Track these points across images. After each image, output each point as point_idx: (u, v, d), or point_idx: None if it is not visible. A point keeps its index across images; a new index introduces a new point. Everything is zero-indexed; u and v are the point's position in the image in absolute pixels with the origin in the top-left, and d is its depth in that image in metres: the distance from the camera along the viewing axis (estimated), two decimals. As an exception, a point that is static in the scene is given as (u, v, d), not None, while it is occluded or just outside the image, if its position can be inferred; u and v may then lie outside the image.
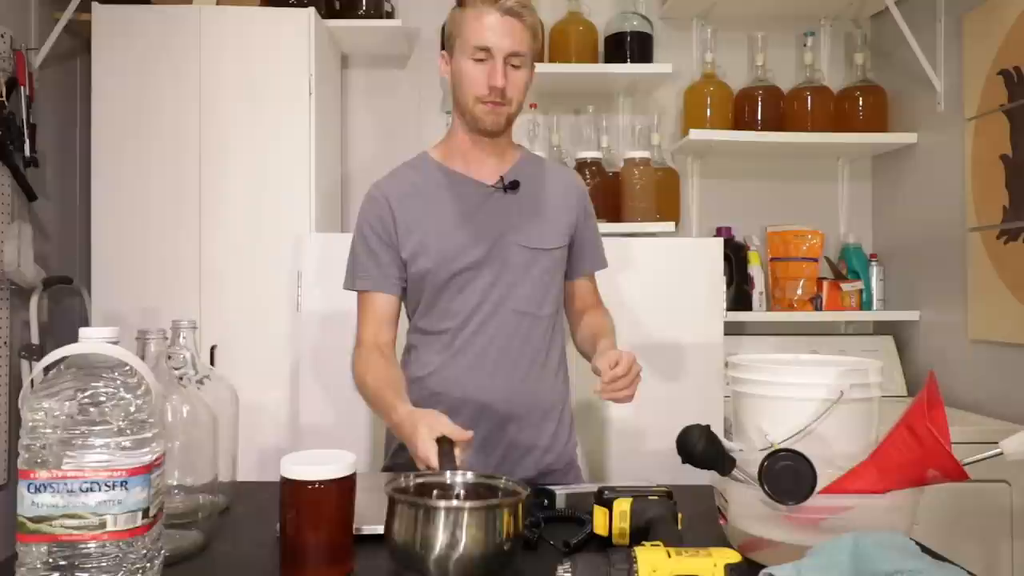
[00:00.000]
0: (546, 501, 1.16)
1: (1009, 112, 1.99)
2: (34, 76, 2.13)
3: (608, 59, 2.47)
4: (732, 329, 2.31)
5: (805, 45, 2.51)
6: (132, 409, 0.79)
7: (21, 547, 0.76)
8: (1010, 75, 1.98)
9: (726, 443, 0.97)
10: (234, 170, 2.13)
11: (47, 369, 0.82)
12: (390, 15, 2.41)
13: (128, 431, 0.78)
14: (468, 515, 0.83)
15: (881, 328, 2.55)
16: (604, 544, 0.98)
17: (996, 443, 0.92)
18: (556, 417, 1.43)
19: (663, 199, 2.47)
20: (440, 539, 0.82)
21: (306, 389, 1.92)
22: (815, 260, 2.49)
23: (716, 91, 2.48)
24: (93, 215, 2.11)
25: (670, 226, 2.43)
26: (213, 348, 2.08)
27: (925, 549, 0.87)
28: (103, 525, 0.76)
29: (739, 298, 2.45)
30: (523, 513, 0.89)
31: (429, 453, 1.04)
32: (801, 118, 2.45)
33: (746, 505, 0.93)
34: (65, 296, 2.33)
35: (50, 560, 0.76)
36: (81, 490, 0.76)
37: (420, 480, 0.97)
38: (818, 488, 0.88)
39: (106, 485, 0.76)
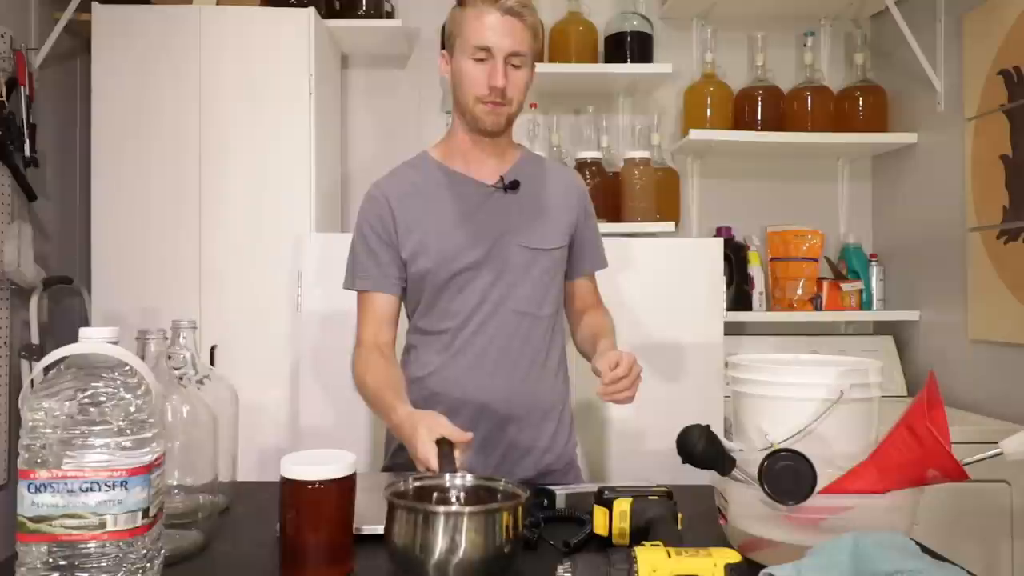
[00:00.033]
0: (546, 501, 1.16)
1: (1009, 112, 1.99)
2: (34, 76, 2.13)
3: (608, 59, 2.47)
4: (732, 329, 2.31)
5: (805, 45, 2.51)
6: (132, 409, 0.79)
7: (21, 547, 0.76)
8: (1010, 75, 1.98)
9: (726, 443, 0.97)
10: (234, 170, 2.13)
11: (47, 369, 0.82)
12: (390, 15, 2.41)
13: (128, 431, 0.78)
14: (467, 520, 0.84)
15: (881, 328, 2.55)
16: (604, 544, 0.98)
17: (996, 443, 0.92)
18: (556, 417, 1.43)
19: (663, 199, 2.47)
20: (440, 544, 0.82)
21: (306, 389, 1.92)
22: (815, 260, 2.49)
23: (716, 91, 2.48)
24: (93, 215, 2.11)
25: (670, 226, 2.43)
26: (213, 348, 2.08)
27: (925, 549, 0.87)
28: (103, 525, 0.76)
29: (739, 298, 2.45)
30: (523, 516, 0.89)
31: (429, 455, 1.04)
32: (801, 118, 2.45)
33: (746, 505, 0.93)
34: (65, 296, 2.33)
35: (50, 560, 0.76)
36: (81, 490, 0.76)
37: (419, 483, 0.97)
38: (818, 488, 0.88)
39: (106, 485, 0.76)
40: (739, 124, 2.48)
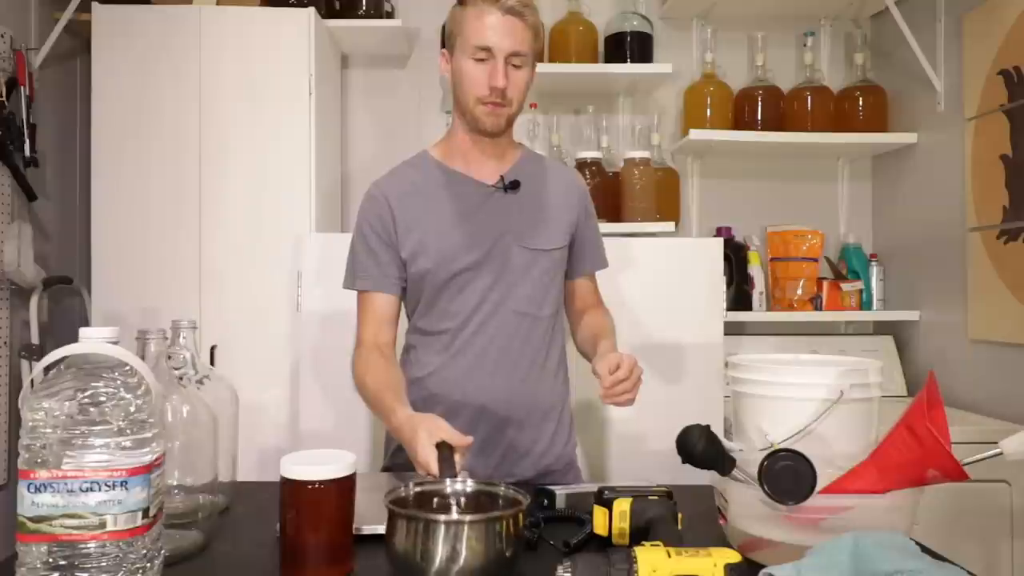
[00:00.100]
0: (546, 501, 1.16)
1: (1009, 112, 1.99)
2: (34, 76, 2.13)
3: (608, 59, 2.47)
4: (732, 329, 2.31)
5: (805, 45, 2.51)
6: (132, 409, 0.79)
7: (21, 547, 0.76)
8: (1010, 75, 1.98)
9: (726, 443, 0.97)
10: (234, 170, 2.13)
11: (47, 369, 0.82)
12: (390, 15, 2.41)
13: (128, 431, 0.78)
14: (468, 528, 0.84)
15: (881, 328, 2.55)
16: (604, 544, 0.98)
17: (996, 443, 0.92)
18: (556, 418, 1.43)
19: (663, 199, 2.47)
20: (441, 553, 0.83)
21: (306, 389, 1.92)
22: (815, 260, 2.49)
23: (716, 91, 2.48)
24: (93, 215, 2.11)
25: (670, 226, 2.43)
26: (213, 348, 2.08)
27: (925, 549, 0.88)
28: (103, 525, 0.76)
29: (739, 298, 2.45)
30: (524, 521, 0.89)
31: (429, 459, 1.03)
32: (801, 118, 2.45)
33: (746, 505, 0.93)
34: (65, 296, 2.33)
35: (50, 560, 0.76)
36: (81, 490, 0.76)
37: (420, 489, 0.97)
38: (818, 488, 0.88)
39: (106, 485, 0.76)
40: (739, 124, 2.48)
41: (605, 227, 2.13)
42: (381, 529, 0.90)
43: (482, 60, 1.29)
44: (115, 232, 2.10)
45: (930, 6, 2.30)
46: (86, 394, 0.78)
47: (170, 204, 2.11)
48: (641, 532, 0.94)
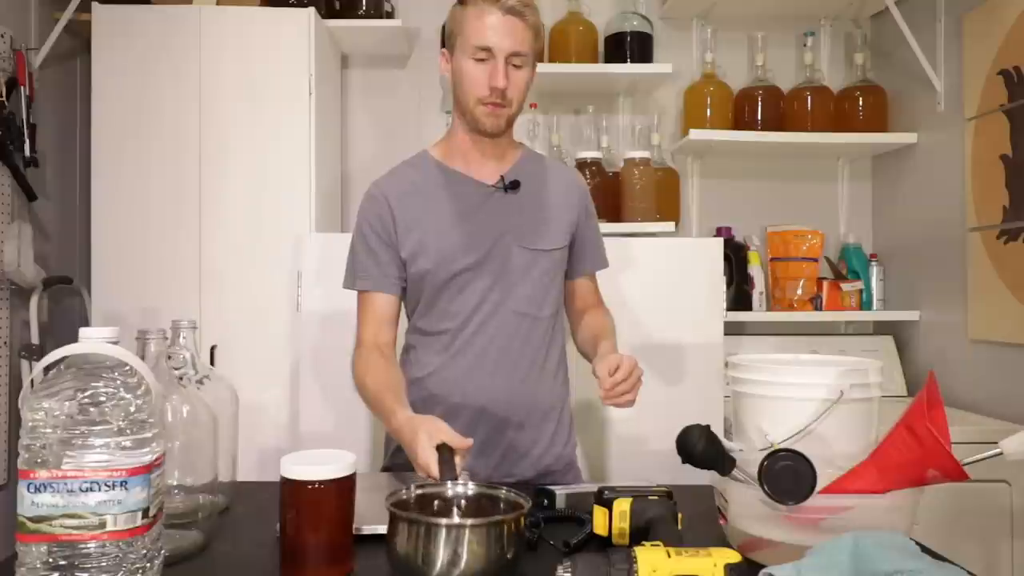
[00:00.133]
0: (546, 501, 1.16)
1: (1009, 112, 1.99)
2: (34, 76, 2.13)
3: (608, 59, 2.47)
4: (732, 329, 2.31)
5: (805, 45, 2.51)
6: (132, 409, 0.79)
7: (21, 547, 0.76)
8: (1010, 75, 1.98)
9: (726, 443, 0.97)
10: (234, 170, 2.13)
11: (47, 369, 0.82)
12: (390, 15, 2.41)
13: (128, 431, 0.78)
14: (470, 532, 0.84)
15: (881, 328, 2.55)
16: (604, 544, 0.98)
17: (996, 443, 0.92)
18: (555, 418, 1.43)
19: (663, 199, 2.47)
20: (442, 557, 0.83)
21: (306, 389, 1.92)
22: (815, 260, 2.49)
23: (716, 91, 2.48)
24: (93, 215, 2.11)
25: (670, 226, 2.43)
26: (213, 348, 2.08)
27: (925, 549, 0.88)
28: (103, 525, 0.76)
29: (739, 298, 2.45)
30: (525, 523, 0.89)
31: (429, 461, 1.03)
32: (801, 118, 2.45)
33: (746, 505, 0.93)
34: (65, 296, 2.33)
35: (50, 560, 0.76)
36: (81, 490, 0.76)
37: (420, 491, 0.97)
38: (818, 488, 0.88)
39: (106, 485, 0.76)
40: (739, 124, 2.48)
41: (605, 227, 2.12)
42: (381, 529, 0.90)
43: (482, 60, 1.28)
44: (115, 232, 2.10)
45: (930, 6, 2.30)
46: (86, 394, 0.78)
47: (170, 204, 2.11)
48: (641, 532, 0.94)
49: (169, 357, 1.05)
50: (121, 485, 0.77)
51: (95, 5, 2.12)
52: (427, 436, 1.06)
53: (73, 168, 2.39)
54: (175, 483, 0.99)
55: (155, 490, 0.81)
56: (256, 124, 2.13)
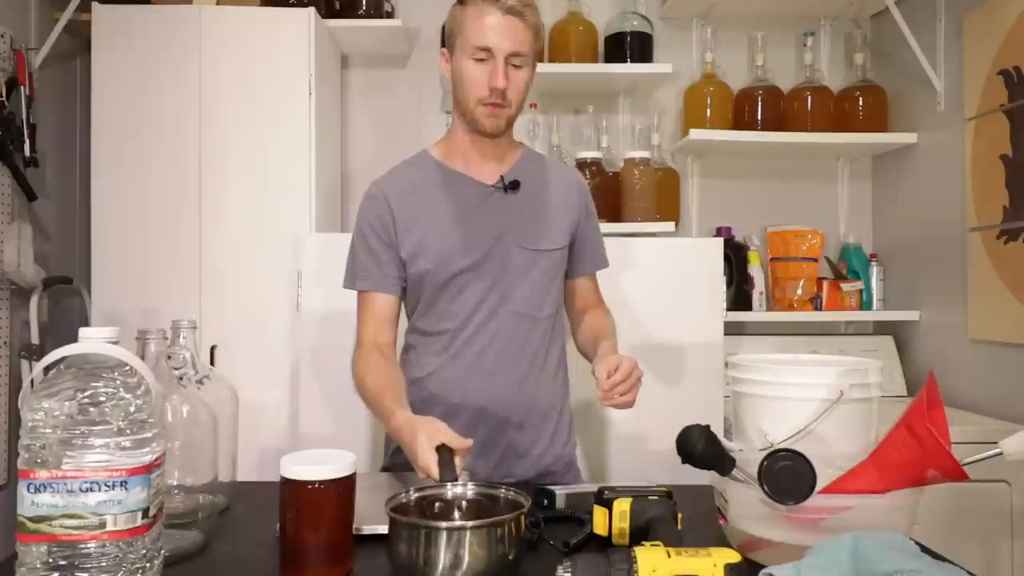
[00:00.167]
0: (546, 501, 1.15)
1: (1009, 112, 1.99)
2: (34, 76, 2.13)
3: (608, 59, 2.47)
4: (732, 329, 2.31)
5: (805, 45, 2.51)
6: (132, 409, 0.79)
7: (21, 547, 0.76)
8: (1010, 75, 1.98)
9: (726, 443, 0.97)
10: (234, 170, 2.13)
11: (47, 369, 0.82)
12: (390, 15, 2.41)
13: (128, 431, 0.78)
14: (471, 534, 0.84)
15: (881, 328, 2.55)
16: (604, 544, 0.98)
17: (996, 443, 0.92)
18: (555, 419, 1.43)
19: (663, 199, 2.47)
20: (444, 560, 0.83)
21: (306, 389, 1.92)
22: (815, 260, 2.49)
23: (716, 91, 2.48)
24: (93, 215, 2.11)
25: (670, 226, 2.43)
26: (213, 348, 2.08)
27: (925, 549, 0.88)
28: (103, 525, 0.76)
29: (739, 298, 2.45)
30: (525, 523, 0.90)
31: (429, 462, 1.03)
32: (801, 118, 2.45)
33: (746, 505, 0.93)
34: (65, 296, 2.33)
35: (50, 560, 0.76)
36: (81, 490, 0.76)
37: (420, 493, 0.97)
38: (818, 488, 0.88)
39: (106, 485, 0.76)
40: (739, 124, 2.48)
41: (605, 227, 2.12)
42: (381, 529, 0.90)
43: (482, 60, 1.28)
44: (115, 232, 2.10)
45: (930, 6, 2.30)
46: (86, 394, 0.78)
47: (170, 204, 2.11)
48: (641, 532, 0.94)
49: (169, 357, 1.06)
50: (121, 485, 0.77)
51: (95, 5, 2.12)
52: (427, 437, 1.06)
53: (73, 168, 2.39)
54: (175, 483, 0.99)
55: (155, 490, 0.81)
56: (256, 124, 2.13)
